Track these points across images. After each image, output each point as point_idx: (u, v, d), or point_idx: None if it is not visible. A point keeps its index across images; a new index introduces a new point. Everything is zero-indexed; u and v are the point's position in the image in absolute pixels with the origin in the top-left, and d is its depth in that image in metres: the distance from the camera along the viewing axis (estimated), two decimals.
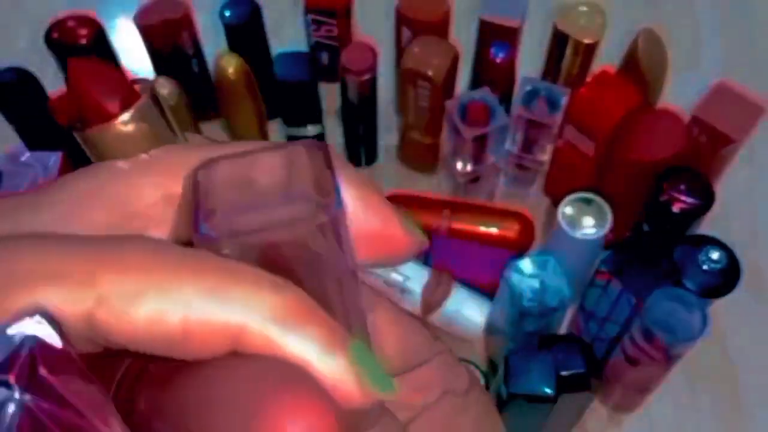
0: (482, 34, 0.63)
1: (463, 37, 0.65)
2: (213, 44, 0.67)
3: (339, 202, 0.16)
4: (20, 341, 0.13)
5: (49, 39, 0.61)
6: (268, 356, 0.14)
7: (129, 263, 0.15)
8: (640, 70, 0.59)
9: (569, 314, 0.57)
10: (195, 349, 0.15)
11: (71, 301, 0.14)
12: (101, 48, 0.62)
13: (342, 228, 0.16)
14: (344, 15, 0.67)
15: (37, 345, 0.13)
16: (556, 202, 0.55)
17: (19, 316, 0.13)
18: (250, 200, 0.16)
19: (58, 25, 0.61)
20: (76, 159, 0.60)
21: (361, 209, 0.18)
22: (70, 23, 0.61)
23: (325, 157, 0.17)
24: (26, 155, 0.56)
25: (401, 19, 0.64)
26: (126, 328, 0.14)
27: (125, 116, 0.18)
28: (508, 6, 0.62)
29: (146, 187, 0.17)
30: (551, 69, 0.65)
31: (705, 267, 0.50)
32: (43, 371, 0.13)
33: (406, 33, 0.64)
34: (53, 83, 0.62)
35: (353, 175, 0.18)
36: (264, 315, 0.14)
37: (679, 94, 0.60)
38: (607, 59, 0.62)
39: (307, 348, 0.15)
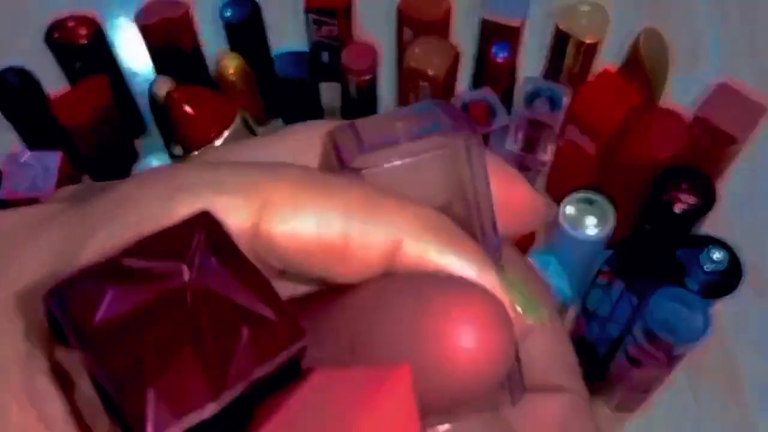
0: (483, 34, 0.63)
1: (464, 36, 0.65)
2: (213, 44, 0.67)
3: (479, 141, 0.16)
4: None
5: (49, 39, 0.61)
6: (428, 273, 0.14)
7: (290, 179, 0.14)
8: (642, 69, 0.59)
9: (571, 314, 0.57)
10: (353, 268, 0.14)
11: (236, 208, 0.14)
12: (101, 48, 0.62)
13: (482, 161, 0.17)
14: (345, 14, 0.67)
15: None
16: (557, 202, 0.54)
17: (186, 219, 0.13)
18: (392, 136, 0.16)
19: (58, 25, 0.61)
20: (76, 159, 0.60)
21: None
22: (70, 23, 0.61)
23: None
24: (26, 155, 0.55)
25: (402, 19, 0.64)
26: (288, 240, 0.14)
27: (220, 140, 0.18)
28: (509, 5, 0.61)
29: (278, 155, 0.17)
30: (553, 68, 0.65)
31: (707, 267, 0.50)
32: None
33: (407, 32, 0.64)
34: (53, 83, 0.62)
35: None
36: (420, 232, 0.14)
37: (681, 94, 0.60)
38: (608, 59, 0.62)
39: (466, 265, 0.14)
